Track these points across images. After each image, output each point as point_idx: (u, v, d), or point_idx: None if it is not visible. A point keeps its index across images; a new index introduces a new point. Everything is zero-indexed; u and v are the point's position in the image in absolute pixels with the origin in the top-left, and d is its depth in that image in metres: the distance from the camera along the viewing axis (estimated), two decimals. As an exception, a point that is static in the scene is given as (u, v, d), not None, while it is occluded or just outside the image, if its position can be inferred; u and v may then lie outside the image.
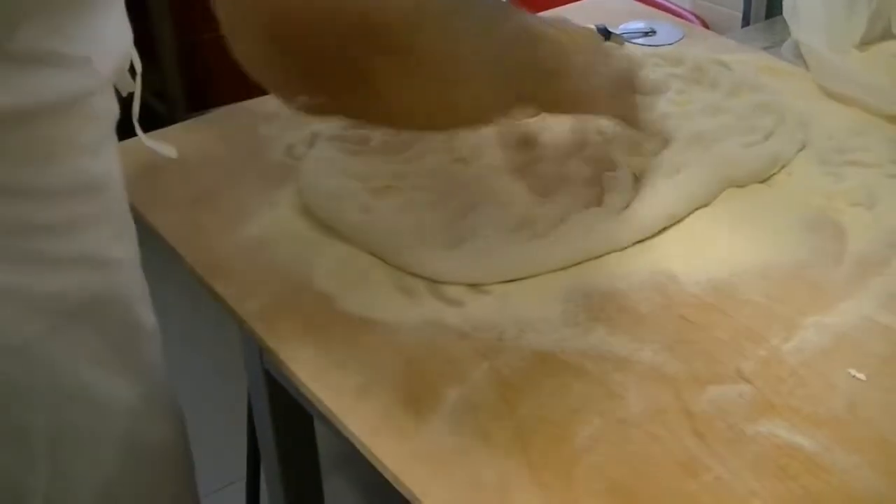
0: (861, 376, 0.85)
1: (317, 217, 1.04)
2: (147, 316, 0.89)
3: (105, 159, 0.81)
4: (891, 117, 1.22)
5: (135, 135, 1.11)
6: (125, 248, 0.85)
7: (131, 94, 0.91)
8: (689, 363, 0.86)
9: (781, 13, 1.44)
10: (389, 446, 0.78)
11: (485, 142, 1.13)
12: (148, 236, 1.03)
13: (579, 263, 0.98)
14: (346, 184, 1.06)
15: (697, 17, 1.83)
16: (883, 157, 1.14)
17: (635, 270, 0.97)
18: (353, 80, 0.72)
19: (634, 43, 1.43)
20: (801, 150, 1.16)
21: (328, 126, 1.16)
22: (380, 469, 0.78)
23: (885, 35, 1.40)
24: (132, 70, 0.90)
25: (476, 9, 0.81)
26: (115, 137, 0.83)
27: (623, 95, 1.04)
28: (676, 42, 1.43)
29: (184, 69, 3.06)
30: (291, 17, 0.68)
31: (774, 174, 1.12)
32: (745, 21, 1.67)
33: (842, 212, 1.05)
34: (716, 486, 0.75)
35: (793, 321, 0.91)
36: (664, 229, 1.03)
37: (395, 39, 0.71)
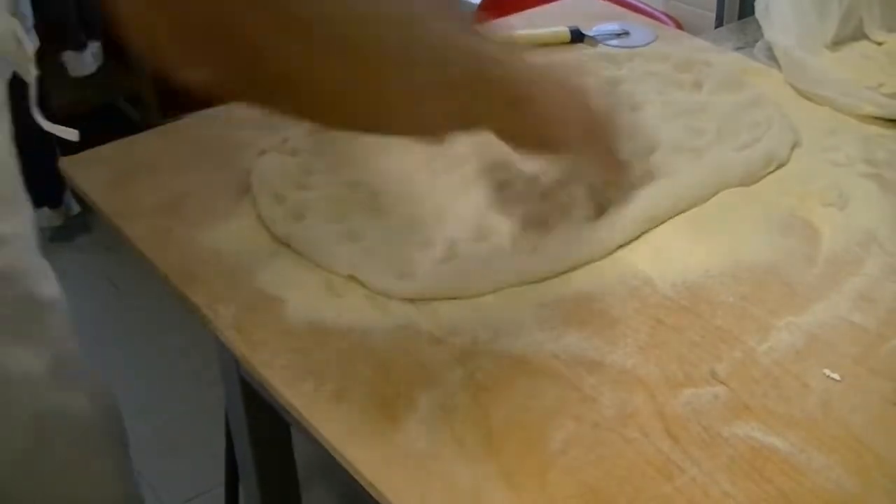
0: (836, 376, 0.85)
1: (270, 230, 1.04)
2: (45, 289, 0.89)
3: None
4: (861, 117, 1.23)
5: (112, 139, 1.11)
6: (13, 225, 0.85)
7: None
8: (663, 366, 0.86)
9: (754, 14, 1.45)
10: (364, 452, 0.78)
11: (462, 155, 1.11)
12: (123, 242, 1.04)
13: (560, 275, 0.98)
14: (295, 196, 1.06)
15: (671, 17, 1.83)
16: (854, 157, 1.14)
17: (609, 274, 0.97)
18: (258, 62, 0.68)
19: (608, 44, 1.43)
20: (794, 148, 1.16)
21: (299, 131, 1.15)
22: (354, 475, 0.77)
23: (856, 35, 1.41)
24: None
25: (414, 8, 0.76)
26: (2, 120, 0.83)
27: (600, 141, 0.93)
28: (650, 43, 1.43)
29: (157, 74, 3.04)
30: None
31: (770, 173, 1.13)
32: (719, 22, 1.68)
33: (814, 212, 1.05)
34: (690, 488, 0.75)
35: (766, 322, 0.91)
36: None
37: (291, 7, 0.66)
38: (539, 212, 0.93)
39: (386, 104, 0.76)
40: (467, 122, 0.85)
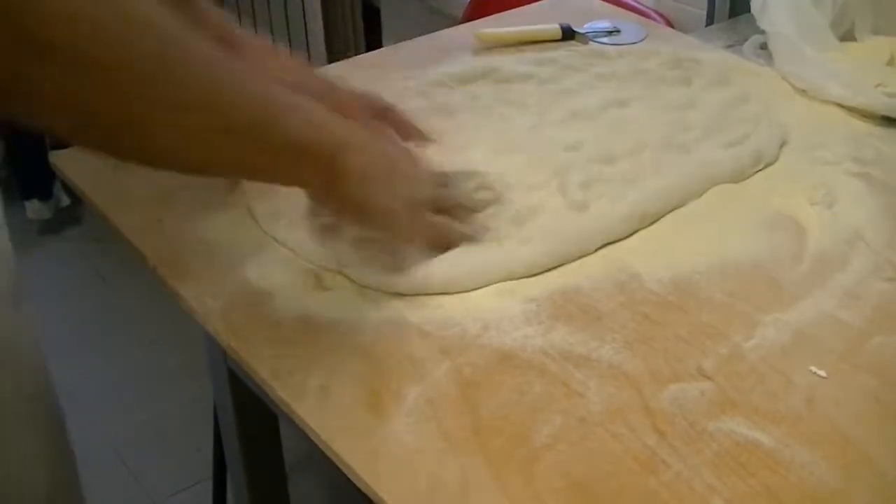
0: (821, 373, 0.85)
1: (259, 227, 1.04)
2: None
3: None
4: (850, 116, 1.23)
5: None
6: None
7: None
8: (649, 361, 0.86)
9: (745, 12, 1.45)
10: (351, 445, 0.78)
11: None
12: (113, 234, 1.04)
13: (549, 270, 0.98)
14: (284, 191, 1.05)
15: (662, 15, 1.83)
16: (842, 156, 1.15)
17: (597, 269, 0.98)
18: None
19: (598, 42, 1.43)
20: (782, 146, 1.17)
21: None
22: (341, 468, 0.78)
23: (847, 38, 1.41)
24: None
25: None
26: None
27: (417, 216, 0.94)
28: (640, 41, 1.44)
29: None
30: None
31: (758, 171, 1.13)
32: (709, 20, 1.68)
33: (802, 210, 1.06)
34: (676, 483, 0.75)
35: (753, 319, 0.91)
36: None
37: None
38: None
39: (151, 138, 0.75)
40: (264, 173, 0.87)
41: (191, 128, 0.76)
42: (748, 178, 1.12)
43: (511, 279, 0.96)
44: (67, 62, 0.66)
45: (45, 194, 2.81)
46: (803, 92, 1.30)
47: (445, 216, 0.97)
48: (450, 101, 1.23)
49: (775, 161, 1.15)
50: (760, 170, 1.13)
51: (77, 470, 1.03)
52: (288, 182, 0.90)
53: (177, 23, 0.72)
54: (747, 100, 1.24)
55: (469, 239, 0.97)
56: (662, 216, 1.05)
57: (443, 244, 0.96)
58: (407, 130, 1.07)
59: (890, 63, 1.36)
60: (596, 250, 1.00)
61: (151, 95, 0.71)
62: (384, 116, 1.06)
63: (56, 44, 0.65)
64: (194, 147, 0.78)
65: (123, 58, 0.69)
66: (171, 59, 0.72)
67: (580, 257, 0.99)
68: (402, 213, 0.92)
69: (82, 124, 0.72)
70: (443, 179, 1.01)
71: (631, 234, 1.03)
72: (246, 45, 1.01)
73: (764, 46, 1.41)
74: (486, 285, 0.95)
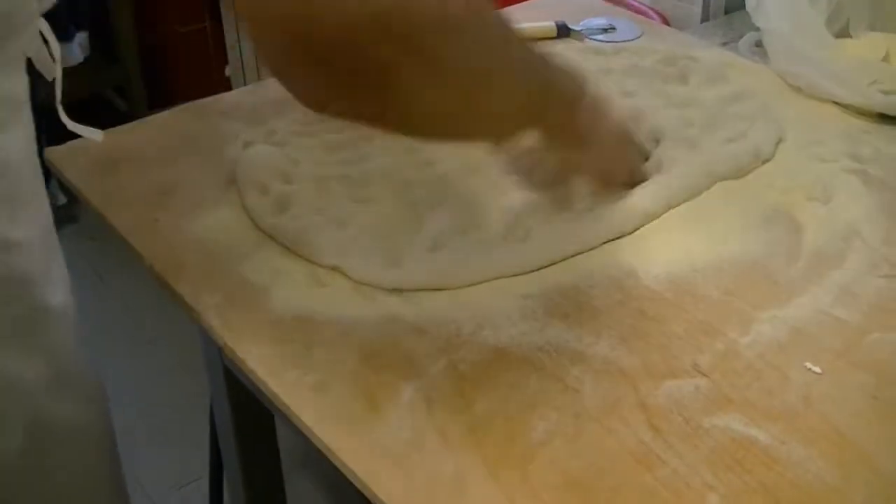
0: (817, 370, 0.85)
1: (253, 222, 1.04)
2: (53, 297, 0.89)
3: (5, 139, 0.81)
4: (846, 113, 1.24)
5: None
6: (25, 230, 0.85)
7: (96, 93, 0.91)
8: (645, 357, 0.86)
9: (740, 9, 1.45)
10: (346, 442, 0.78)
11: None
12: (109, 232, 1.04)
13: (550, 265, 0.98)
14: (280, 188, 1.06)
15: (657, 12, 1.83)
16: (839, 153, 1.15)
17: (593, 265, 0.98)
18: (378, 82, 0.74)
19: (594, 39, 1.43)
20: (778, 143, 1.17)
21: (285, 123, 1.16)
22: (337, 465, 0.78)
23: (842, 35, 1.41)
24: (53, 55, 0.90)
25: (494, 25, 0.83)
26: (22, 119, 0.84)
27: (621, 149, 1.07)
28: (636, 38, 1.44)
29: (145, 65, 3.05)
30: (318, 20, 0.69)
31: (756, 168, 1.13)
32: (705, 17, 1.68)
33: (798, 206, 1.06)
34: (672, 480, 0.75)
35: (749, 315, 0.91)
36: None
37: (420, 41, 0.73)
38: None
39: (474, 118, 0.84)
40: (530, 122, 0.93)
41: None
42: (746, 174, 1.12)
43: (506, 276, 0.96)
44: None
45: (41, 192, 2.81)
46: (799, 89, 1.30)
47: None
48: None
49: (772, 157, 1.14)
50: (758, 166, 1.13)
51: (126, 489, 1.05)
52: (533, 121, 0.95)
53: None
54: (744, 97, 1.24)
55: (646, 178, 1.08)
56: (664, 213, 1.05)
57: (632, 180, 1.08)
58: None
59: (886, 60, 1.36)
60: (594, 249, 1.00)
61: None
62: None
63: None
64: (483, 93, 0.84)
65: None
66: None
67: (577, 255, 0.99)
68: (613, 145, 1.04)
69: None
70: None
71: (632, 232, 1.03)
72: None
73: (759, 44, 1.41)
74: (481, 282, 0.95)
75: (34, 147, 0.85)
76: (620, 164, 1.07)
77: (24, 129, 0.84)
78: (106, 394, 1.01)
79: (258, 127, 1.17)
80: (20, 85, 0.83)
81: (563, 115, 0.95)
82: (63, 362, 0.90)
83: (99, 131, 1.05)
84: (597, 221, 1.01)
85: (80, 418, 0.94)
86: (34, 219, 0.86)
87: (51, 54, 0.89)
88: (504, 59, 0.84)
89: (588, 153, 1.02)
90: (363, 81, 0.74)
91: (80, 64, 2.86)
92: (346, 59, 0.72)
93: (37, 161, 0.86)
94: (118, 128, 1.20)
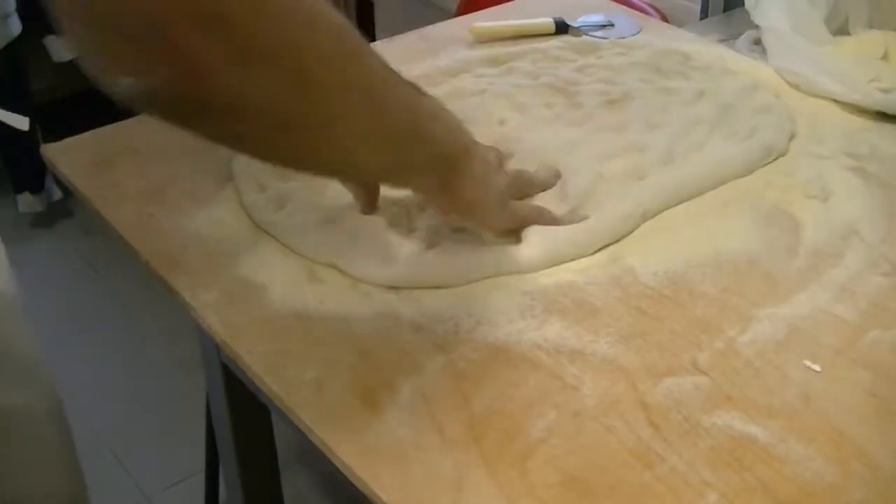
0: (816, 367, 0.85)
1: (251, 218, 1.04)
2: None
3: None
4: (845, 111, 1.23)
5: (94, 125, 1.10)
6: None
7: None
8: (644, 355, 0.86)
9: (739, 6, 1.45)
10: (344, 440, 0.78)
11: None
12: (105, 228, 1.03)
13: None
14: (277, 185, 1.06)
15: (656, 9, 1.83)
16: (838, 150, 1.15)
17: (592, 263, 0.97)
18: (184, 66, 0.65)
19: (592, 36, 1.43)
20: (791, 138, 1.17)
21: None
22: (334, 462, 0.77)
23: (841, 32, 1.41)
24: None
25: (359, 48, 0.77)
26: None
27: (506, 212, 0.98)
28: (634, 35, 1.44)
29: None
30: None
31: (769, 163, 1.13)
32: (704, 14, 1.68)
33: (797, 204, 1.06)
34: (671, 477, 0.75)
35: (748, 313, 0.91)
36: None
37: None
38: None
39: (328, 142, 0.76)
40: (400, 176, 0.88)
41: (363, 133, 0.78)
42: (756, 170, 1.12)
43: (502, 275, 0.96)
44: (275, 64, 0.67)
45: (36, 188, 2.81)
46: (797, 87, 1.29)
47: (525, 201, 1.03)
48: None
49: (786, 153, 1.15)
50: (771, 161, 1.13)
51: (85, 483, 1.04)
52: (415, 185, 0.92)
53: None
54: (753, 90, 1.24)
55: (545, 216, 1.01)
56: (665, 210, 1.05)
57: (525, 226, 0.99)
58: None
59: (884, 58, 1.36)
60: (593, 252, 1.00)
61: (345, 100, 0.74)
62: None
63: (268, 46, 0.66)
64: (361, 152, 0.80)
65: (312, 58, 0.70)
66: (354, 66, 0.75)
67: (576, 258, 0.98)
68: (496, 208, 0.96)
69: (269, 128, 0.72)
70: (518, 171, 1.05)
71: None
72: None
73: (758, 41, 1.41)
74: (478, 280, 0.95)
75: None
76: (512, 222, 0.99)
77: None
78: (54, 377, 0.99)
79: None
80: None
81: (435, 181, 0.90)
82: (5, 352, 0.90)
83: (25, 119, 1.04)
84: (596, 225, 1.01)
85: (29, 411, 0.93)
86: None
87: None
88: (360, 85, 0.76)
89: (473, 220, 0.97)
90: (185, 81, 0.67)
91: (76, 58, 2.85)
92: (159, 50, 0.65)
93: None
94: (114, 124, 1.19)
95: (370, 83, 0.77)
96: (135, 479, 2.10)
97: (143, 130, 1.18)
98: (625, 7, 1.60)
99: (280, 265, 0.97)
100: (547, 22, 1.43)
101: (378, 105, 0.78)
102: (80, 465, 1.04)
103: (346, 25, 0.73)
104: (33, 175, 2.78)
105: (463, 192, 0.91)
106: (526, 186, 1.04)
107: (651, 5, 1.84)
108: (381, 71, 0.79)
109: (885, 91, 1.23)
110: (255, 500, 1.38)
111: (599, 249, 0.99)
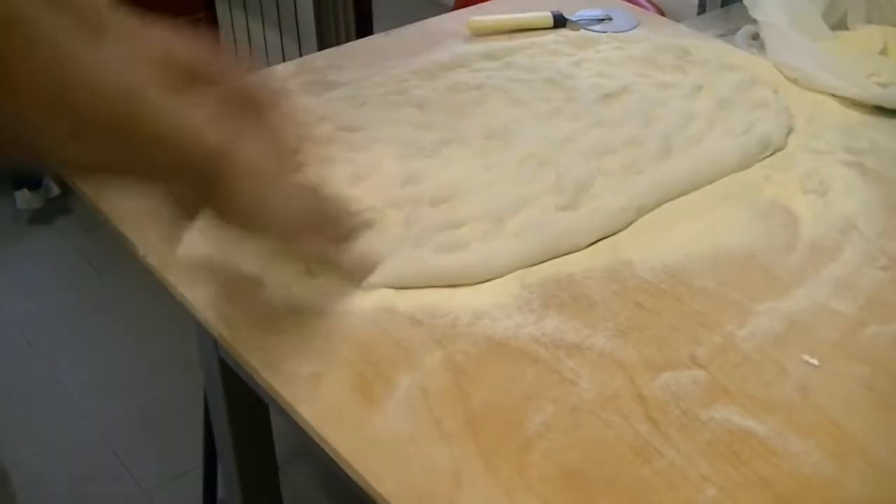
0: (814, 362, 0.85)
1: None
2: None
3: None
4: (843, 105, 1.23)
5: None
6: None
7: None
8: (642, 349, 0.86)
9: (737, 1, 1.45)
10: (342, 433, 0.78)
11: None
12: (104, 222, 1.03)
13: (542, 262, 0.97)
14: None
15: (653, 4, 1.82)
16: (836, 145, 1.15)
17: (590, 257, 0.97)
18: None
19: (590, 30, 1.43)
20: (790, 133, 1.17)
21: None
22: (332, 456, 0.77)
23: (839, 27, 1.41)
24: None
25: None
26: None
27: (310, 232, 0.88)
28: (632, 29, 1.43)
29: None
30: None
31: (766, 158, 1.13)
32: (702, 8, 1.68)
33: (795, 199, 1.06)
34: (669, 472, 0.75)
35: (746, 307, 0.91)
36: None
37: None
38: None
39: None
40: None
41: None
42: (754, 164, 1.12)
43: (500, 276, 0.95)
44: None
45: (34, 184, 2.80)
46: (795, 81, 1.29)
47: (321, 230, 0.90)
48: (423, 95, 1.22)
49: (784, 148, 1.15)
50: (768, 156, 1.13)
51: None
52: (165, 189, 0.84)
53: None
54: (751, 85, 1.24)
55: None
56: (660, 205, 1.05)
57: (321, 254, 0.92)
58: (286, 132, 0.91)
59: (882, 52, 1.36)
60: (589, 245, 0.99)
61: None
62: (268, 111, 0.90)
63: None
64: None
65: None
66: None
67: (572, 252, 0.98)
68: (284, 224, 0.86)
69: None
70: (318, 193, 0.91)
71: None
72: (114, 26, 0.89)
73: (756, 36, 1.40)
74: (475, 281, 0.95)
75: None
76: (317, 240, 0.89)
77: None
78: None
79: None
80: None
81: (196, 183, 0.80)
82: None
83: None
84: (590, 218, 1.00)
85: None
86: None
87: None
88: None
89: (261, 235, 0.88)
90: None
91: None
92: None
93: None
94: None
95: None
96: (133, 474, 2.10)
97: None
98: (623, 1, 1.60)
99: (277, 260, 0.96)
100: (545, 16, 1.43)
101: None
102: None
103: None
104: (31, 171, 2.77)
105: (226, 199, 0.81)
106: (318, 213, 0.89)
107: (648, 0, 1.84)
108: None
109: (884, 86, 1.23)
110: (253, 495, 1.38)
111: (594, 243, 0.99)
